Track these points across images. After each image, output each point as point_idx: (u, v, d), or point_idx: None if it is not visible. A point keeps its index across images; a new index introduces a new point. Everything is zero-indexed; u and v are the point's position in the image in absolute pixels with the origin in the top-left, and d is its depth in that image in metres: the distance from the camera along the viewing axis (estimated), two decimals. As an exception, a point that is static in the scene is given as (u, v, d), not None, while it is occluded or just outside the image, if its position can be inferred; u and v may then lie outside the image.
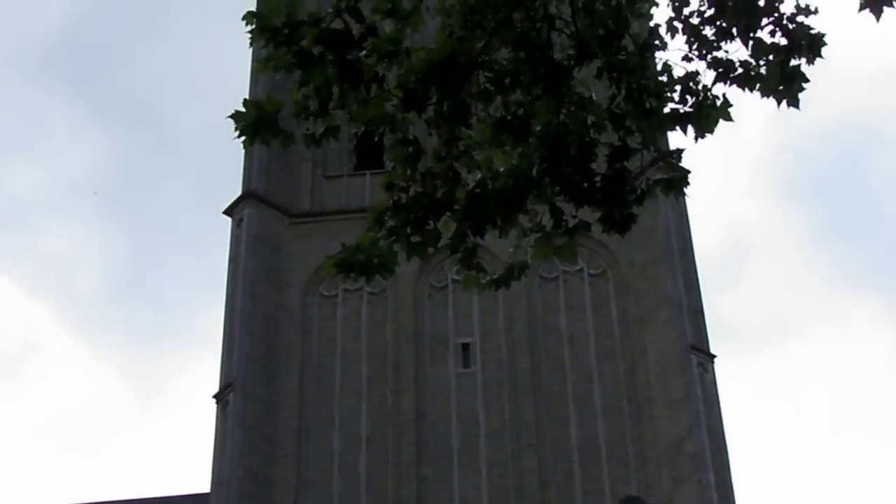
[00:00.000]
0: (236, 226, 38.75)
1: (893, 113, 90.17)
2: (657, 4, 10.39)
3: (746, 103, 10.12)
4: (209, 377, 78.39)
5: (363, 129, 9.98)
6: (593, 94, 10.38)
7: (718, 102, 10.21)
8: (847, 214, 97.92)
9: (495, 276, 11.03)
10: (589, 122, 10.34)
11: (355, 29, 9.82)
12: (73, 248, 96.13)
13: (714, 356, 35.33)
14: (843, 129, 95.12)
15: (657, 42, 10.35)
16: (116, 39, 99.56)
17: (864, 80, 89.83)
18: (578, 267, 37.23)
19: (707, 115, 10.18)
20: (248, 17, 9.66)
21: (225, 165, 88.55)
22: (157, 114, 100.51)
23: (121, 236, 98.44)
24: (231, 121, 9.77)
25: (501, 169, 10.31)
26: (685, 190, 10.99)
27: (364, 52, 9.80)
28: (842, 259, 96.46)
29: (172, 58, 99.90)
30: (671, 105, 10.28)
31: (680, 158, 10.77)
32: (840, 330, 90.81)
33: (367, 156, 39.60)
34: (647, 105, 10.27)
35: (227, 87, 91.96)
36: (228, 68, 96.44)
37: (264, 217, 38.68)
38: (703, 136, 10.27)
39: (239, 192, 39.49)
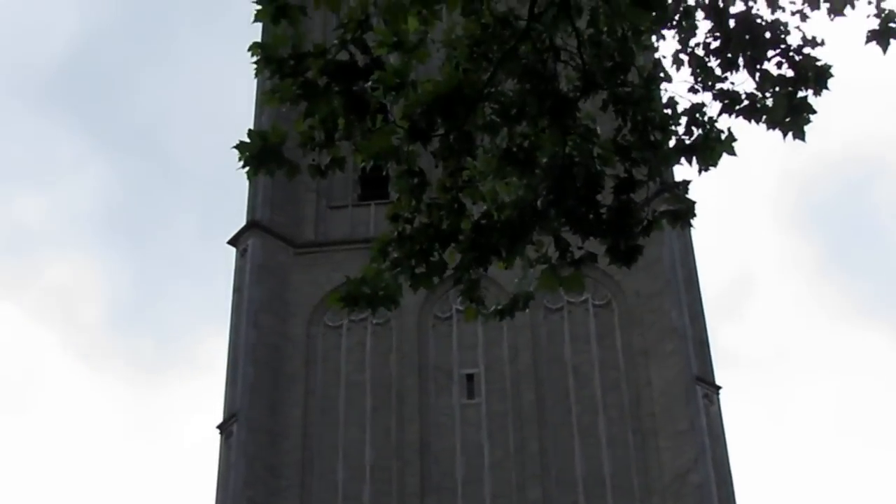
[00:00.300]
0: (240, 256, 38.78)
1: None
2: (664, 37, 10.39)
3: (752, 133, 10.13)
4: (213, 407, 78.34)
5: (371, 163, 9.98)
6: (597, 128, 10.38)
7: (723, 136, 10.21)
8: (852, 244, 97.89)
9: (500, 307, 11.01)
10: (595, 154, 10.35)
11: (361, 60, 9.83)
12: (77, 276, 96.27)
13: (719, 387, 35.28)
14: (849, 159, 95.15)
15: (662, 74, 10.36)
16: (120, 69, 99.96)
17: (870, 110, 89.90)
18: (583, 298, 37.21)
19: (711, 149, 10.18)
20: (254, 48, 9.67)
21: (229, 195, 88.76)
22: (161, 143, 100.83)
23: (125, 265, 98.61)
24: (236, 151, 9.78)
25: (507, 200, 10.31)
26: (691, 221, 10.98)
27: (370, 83, 9.82)
28: (847, 289, 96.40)
29: (177, 87, 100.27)
30: (676, 137, 10.28)
31: (686, 190, 10.76)
32: (845, 360, 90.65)
33: (371, 186, 39.68)
34: (652, 137, 10.27)
35: (232, 117, 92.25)
36: (233, 97, 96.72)
37: (269, 247, 38.71)
38: (706, 169, 10.27)
39: (243, 222, 39.53)
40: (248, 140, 9.83)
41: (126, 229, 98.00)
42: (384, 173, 10.64)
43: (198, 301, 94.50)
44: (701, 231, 59.44)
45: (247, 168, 9.86)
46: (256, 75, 9.79)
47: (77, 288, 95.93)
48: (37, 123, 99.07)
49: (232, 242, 39.33)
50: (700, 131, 10.26)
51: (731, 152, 10.25)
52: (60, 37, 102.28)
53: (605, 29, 10.33)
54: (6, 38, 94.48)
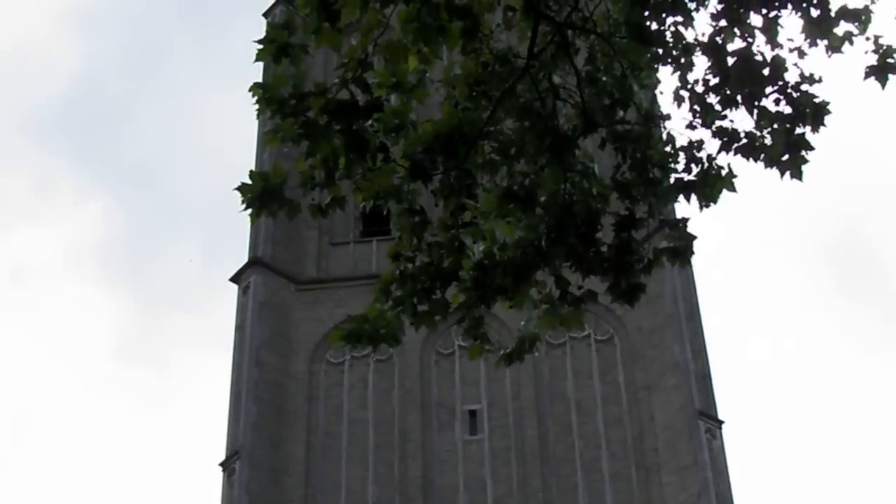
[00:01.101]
0: (243, 293, 38.78)
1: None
2: (658, 78, 10.42)
3: (752, 167, 10.14)
4: (215, 444, 78.21)
5: (372, 203, 10.02)
6: (595, 167, 10.41)
7: (723, 172, 10.24)
8: (852, 277, 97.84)
9: (507, 351, 11.02)
10: (594, 192, 10.37)
11: (361, 99, 9.87)
12: (79, 311, 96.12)
13: (722, 422, 35.24)
14: (849, 192, 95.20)
15: (661, 111, 10.39)
16: (121, 104, 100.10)
17: (870, 143, 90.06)
18: (585, 333, 37.18)
19: (711, 185, 10.21)
20: (255, 88, 9.70)
21: (230, 230, 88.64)
22: (162, 178, 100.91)
23: (126, 300, 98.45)
24: (233, 188, 9.80)
25: (507, 239, 10.33)
26: (690, 259, 11.00)
27: (370, 123, 9.85)
28: (849, 322, 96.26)
29: (178, 122, 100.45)
30: (675, 174, 10.31)
31: (686, 227, 10.78)
32: (849, 394, 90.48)
33: (373, 222, 39.69)
34: (652, 175, 10.30)
35: (234, 151, 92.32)
36: (234, 132, 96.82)
37: (271, 284, 38.71)
38: (707, 206, 10.30)
39: (245, 259, 39.55)
40: (249, 181, 9.85)
41: (127, 264, 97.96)
42: (385, 212, 10.67)
43: (199, 337, 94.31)
44: (702, 264, 59.43)
45: (249, 210, 9.87)
46: (258, 115, 9.81)
47: (78, 322, 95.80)
48: (38, 157, 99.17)
49: (234, 279, 39.33)
50: (699, 168, 10.28)
51: (732, 189, 10.27)
52: (62, 72, 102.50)
53: (604, 67, 10.37)
54: (7, 72, 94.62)
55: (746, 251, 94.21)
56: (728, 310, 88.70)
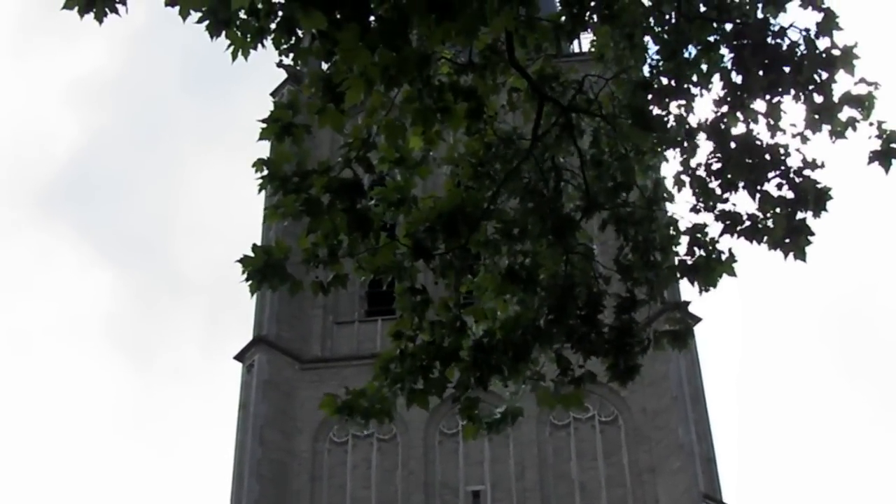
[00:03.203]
0: (247, 371, 38.72)
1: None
2: (666, 159, 10.47)
3: (754, 249, 10.17)
4: (217, 523, 77.68)
5: (371, 277, 10.06)
6: (595, 249, 10.45)
7: (724, 257, 10.27)
8: (853, 356, 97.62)
9: (489, 420, 10.97)
10: (596, 274, 10.41)
11: (364, 178, 9.92)
12: (79, 386, 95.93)
13: (727, 505, 35.01)
14: (851, 269, 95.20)
15: (664, 195, 10.43)
16: (123, 177, 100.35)
17: (871, 223, 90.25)
18: (589, 414, 37.04)
19: (712, 269, 10.23)
20: (259, 164, 9.77)
21: (233, 303, 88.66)
22: (166, 251, 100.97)
23: (128, 375, 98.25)
24: (237, 264, 9.85)
25: (508, 319, 10.35)
26: (694, 339, 11.00)
27: (373, 200, 9.91)
28: (852, 399, 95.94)
29: (181, 194, 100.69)
30: (677, 257, 10.34)
31: (686, 310, 10.79)
32: (854, 470, 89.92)
33: (378, 302, 39.66)
34: (653, 257, 10.33)
35: (236, 226, 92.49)
36: (238, 205, 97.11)
37: (275, 363, 38.65)
38: (706, 290, 10.32)
39: (249, 336, 39.51)
40: (252, 254, 9.90)
41: (130, 337, 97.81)
42: (386, 288, 10.66)
43: (201, 414, 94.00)
44: (706, 344, 59.38)
45: (250, 282, 9.91)
46: (260, 191, 9.88)
47: (78, 397, 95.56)
48: (39, 232, 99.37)
49: (238, 358, 39.28)
50: (701, 252, 10.31)
51: (732, 273, 10.30)
52: (62, 144, 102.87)
53: (608, 149, 10.43)
54: (7, 146, 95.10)
55: (749, 329, 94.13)
56: (732, 390, 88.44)
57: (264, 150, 10.13)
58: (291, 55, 8.95)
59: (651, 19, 9.89)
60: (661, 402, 36.62)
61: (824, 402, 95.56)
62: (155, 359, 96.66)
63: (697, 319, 31.46)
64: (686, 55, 9.99)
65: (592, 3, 9.74)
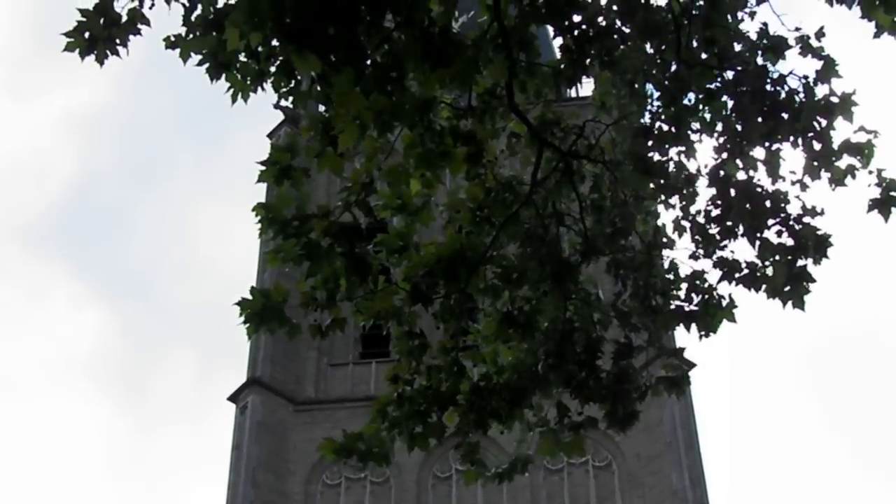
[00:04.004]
0: (240, 412, 38.60)
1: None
2: (667, 204, 10.46)
3: (753, 294, 10.18)
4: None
5: (372, 322, 10.05)
6: (600, 292, 10.44)
7: (724, 302, 10.25)
8: (850, 402, 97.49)
9: (499, 470, 10.96)
10: (595, 319, 10.39)
11: (363, 222, 9.92)
12: (70, 423, 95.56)
13: (720, 552, 34.90)
14: (848, 318, 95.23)
15: (664, 240, 10.43)
16: (118, 212, 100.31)
17: (871, 269, 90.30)
18: (583, 459, 36.92)
19: (712, 315, 10.21)
20: (258, 208, 9.77)
21: (226, 342, 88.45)
22: (158, 289, 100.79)
23: (119, 413, 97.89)
24: (232, 304, 9.85)
25: (507, 364, 10.34)
26: (689, 386, 10.99)
27: (373, 245, 9.91)
28: (845, 449, 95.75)
29: (175, 232, 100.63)
30: (676, 303, 10.32)
31: (683, 356, 10.77)
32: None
33: (372, 344, 39.61)
34: (654, 302, 10.32)
35: (231, 263, 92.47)
36: (232, 244, 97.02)
37: (269, 404, 38.54)
38: (706, 336, 10.29)
39: (242, 375, 39.45)
40: (250, 297, 9.89)
41: (121, 375, 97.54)
42: (385, 333, 10.66)
43: (193, 454, 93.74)
44: (700, 390, 59.39)
45: (248, 325, 9.90)
46: (260, 235, 9.88)
47: (70, 435, 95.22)
48: (31, 268, 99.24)
49: (232, 399, 39.18)
50: (700, 298, 10.29)
51: (732, 319, 10.28)
52: (57, 180, 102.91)
53: (609, 195, 10.43)
54: (4, 180, 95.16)
55: (740, 373, 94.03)
56: (724, 434, 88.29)
57: (259, 189, 10.14)
58: (291, 98, 8.97)
59: (652, 66, 9.90)
60: (655, 447, 36.52)
61: (816, 446, 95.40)
62: (147, 398, 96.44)
63: (692, 365, 31.47)
64: (686, 102, 10.00)
65: (592, 50, 9.75)
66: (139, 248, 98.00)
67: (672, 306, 10.33)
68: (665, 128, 10.05)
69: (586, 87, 10.64)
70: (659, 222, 10.54)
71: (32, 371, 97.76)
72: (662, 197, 10.31)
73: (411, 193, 9.85)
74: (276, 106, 10.06)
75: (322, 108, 9.16)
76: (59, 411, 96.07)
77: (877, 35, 9.38)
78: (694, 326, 10.29)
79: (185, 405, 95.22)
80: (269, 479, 37.07)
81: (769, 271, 10.00)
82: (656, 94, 10.04)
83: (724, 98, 9.96)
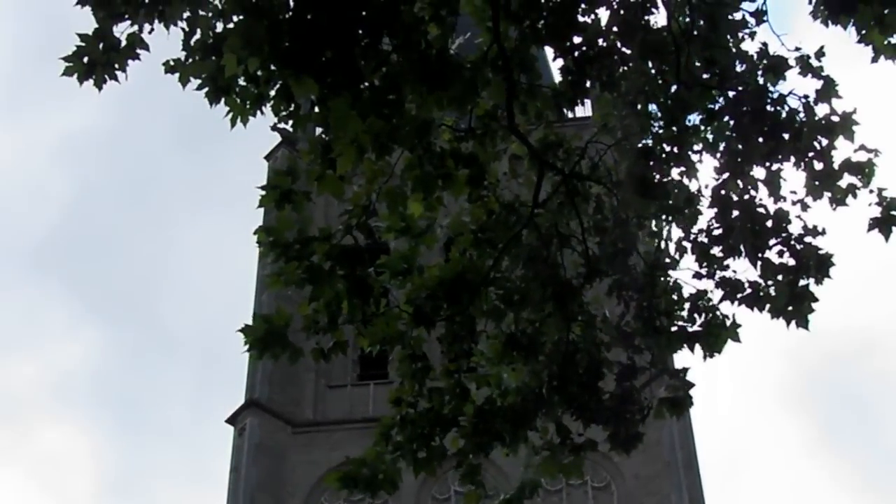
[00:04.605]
0: (238, 435, 38.52)
1: (889, 320, 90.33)
2: (670, 222, 10.45)
3: (751, 314, 10.19)
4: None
5: (378, 347, 10.04)
6: (606, 312, 10.44)
7: (728, 322, 10.24)
8: (843, 421, 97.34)
9: (507, 497, 10.94)
10: (597, 341, 10.38)
11: (365, 244, 9.91)
12: (66, 446, 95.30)
13: (720, 572, 34.83)
14: (840, 334, 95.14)
15: (668, 260, 10.42)
16: (113, 235, 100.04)
17: (859, 285, 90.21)
18: (582, 480, 36.85)
19: (716, 335, 10.20)
20: (260, 232, 9.76)
21: (223, 365, 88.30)
22: (155, 309, 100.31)
23: (116, 436, 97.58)
24: (229, 325, 9.90)
25: (510, 386, 10.33)
26: (691, 406, 10.97)
27: (374, 268, 9.91)
28: (843, 467, 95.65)
29: (171, 254, 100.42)
30: (680, 323, 10.30)
31: (685, 377, 10.75)
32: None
33: (370, 366, 39.54)
34: (658, 323, 10.30)
35: (228, 283, 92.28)
36: (228, 266, 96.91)
37: (267, 426, 38.45)
38: (711, 356, 10.28)
39: (239, 396, 39.37)
40: (252, 323, 9.88)
41: (119, 396, 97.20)
42: (384, 355, 10.69)
43: (190, 477, 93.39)
44: (699, 409, 59.20)
45: (252, 351, 9.89)
46: (261, 258, 9.89)
47: (65, 458, 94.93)
48: (28, 289, 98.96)
49: (230, 421, 39.11)
50: (703, 318, 10.28)
51: (736, 339, 10.26)
52: (52, 201, 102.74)
53: (611, 216, 10.43)
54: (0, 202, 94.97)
55: (740, 393, 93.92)
56: (722, 455, 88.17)
57: (256, 210, 10.11)
58: (290, 122, 8.96)
59: (653, 87, 9.91)
60: (654, 467, 36.44)
61: (815, 465, 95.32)
62: (144, 419, 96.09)
63: (691, 385, 31.33)
64: (687, 122, 10.01)
65: (593, 72, 9.76)
66: (135, 268, 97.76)
67: (675, 327, 10.31)
68: (667, 148, 10.05)
69: (587, 106, 10.62)
70: (662, 242, 10.52)
71: (29, 392, 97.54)
72: (667, 219, 10.31)
73: (414, 215, 9.86)
74: (274, 128, 10.07)
75: (320, 130, 9.16)
76: (56, 432, 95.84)
77: (874, 60, 9.37)
78: (698, 347, 10.27)
79: (182, 426, 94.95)
80: (268, 501, 36.97)
81: (771, 291, 10.01)
82: (658, 115, 10.05)
83: (726, 118, 9.96)
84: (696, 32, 9.86)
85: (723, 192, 10.07)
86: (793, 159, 9.97)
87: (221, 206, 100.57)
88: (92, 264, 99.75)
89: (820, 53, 9.93)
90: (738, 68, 9.97)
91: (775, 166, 10.02)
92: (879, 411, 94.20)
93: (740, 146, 9.98)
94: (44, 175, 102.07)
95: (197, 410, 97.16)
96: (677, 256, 10.34)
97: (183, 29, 8.92)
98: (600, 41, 9.72)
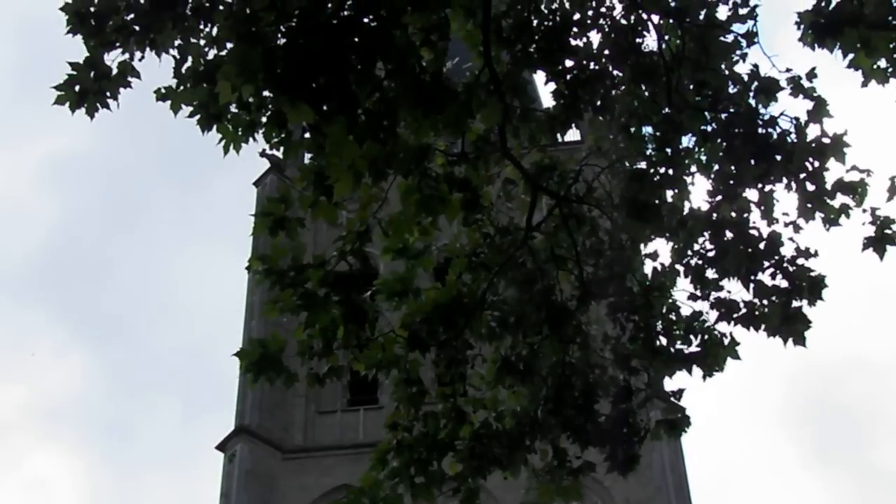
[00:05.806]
0: (228, 461, 38.40)
1: (879, 337, 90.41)
2: (667, 239, 10.44)
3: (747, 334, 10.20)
4: None
5: (374, 371, 10.03)
6: (606, 331, 10.44)
7: (726, 341, 10.25)
8: (833, 440, 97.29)
9: None
10: (593, 363, 10.38)
11: (359, 270, 9.90)
12: (55, 472, 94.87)
13: None
14: (832, 352, 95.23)
15: (665, 281, 10.42)
16: (101, 259, 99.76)
17: (850, 304, 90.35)
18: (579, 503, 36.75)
19: (715, 354, 10.20)
20: (254, 260, 9.76)
21: (212, 389, 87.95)
22: (142, 334, 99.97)
23: (104, 460, 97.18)
24: (218, 351, 9.91)
25: (506, 409, 10.31)
26: (689, 427, 10.97)
27: (369, 292, 9.89)
28: (830, 487, 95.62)
29: (158, 277, 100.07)
30: (677, 345, 10.30)
31: (680, 398, 10.75)
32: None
33: (360, 391, 39.47)
34: (658, 343, 10.30)
35: (216, 307, 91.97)
36: (216, 290, 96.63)
37: (257, 452, 38.34)
38: (710, 375, 10.28)
39: (229, 422, 39.25)
40: (248, 347, 9.87)
41: (106, 422, 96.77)
42: (371, 378, 10.63)
43: (180, 502, 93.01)
44: (688, 433, 58.96)
45: (248, 374, 9.90)
46: (251, 284, 9.89)
47: (56, 483, 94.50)
48: (15, 312, 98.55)
49: (220, 447, 38.98)
50: (700, 338, 10.28)
51: (736, 356, 10.27)
52: (40, 225, 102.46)
53: (606, 239, 10.44)
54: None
55: (730, 416, 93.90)
56: (712, 476, 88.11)
57: (244, 235, 10.10)
58: (282, 148, 8.94)
59: (645, 109, 9.93)
60: (646, 491, 36.38)
61: (807, 485, 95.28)
62: (132, 445, 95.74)
63: (682, 408, 31.26)
64: (681, 144, 10.02)
65: (585, 95, 9.78)
66: (122, 293, 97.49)
67: (672, 350, 10.31)
68: (661, 170, 10.06)
69: (579, 130, 10.65)
70: (657, 264, 10.52)
71: (15, 418, 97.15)
72: (658, 239, 10.32)
73: (411, 238, 9.85)
74: (263, 154, 10.04)
75: (308, 157, 9.13)
76: (45, 458, 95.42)
77: (864, 84, 9.35)
78: (696, 368, 10.27)
79: (171, 452, 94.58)
80: (259, 528, 36.84)
81: (766, 311, 10.02)
82: (651, 137, 10.07)
83: (719, 140, 9.97)
84: (687, 55, 9.88)
85: (715, 214, 10.08)
86: (785, 181, 9.98)
87: (209, 230, 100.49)
88: (78, 288, 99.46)
89: (811, 74, 9.93)
90: (730, 90, 9.99)
91: (768, 188, 10.03)
92: (881, 432, 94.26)
93: (733, 168, 9.99)
94: (29, 199, 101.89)
95: (186, 436, 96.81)
96: (673, 278, 10.34)
97: (174, 56, 8.91)
98: (592, 64, 9.74)
